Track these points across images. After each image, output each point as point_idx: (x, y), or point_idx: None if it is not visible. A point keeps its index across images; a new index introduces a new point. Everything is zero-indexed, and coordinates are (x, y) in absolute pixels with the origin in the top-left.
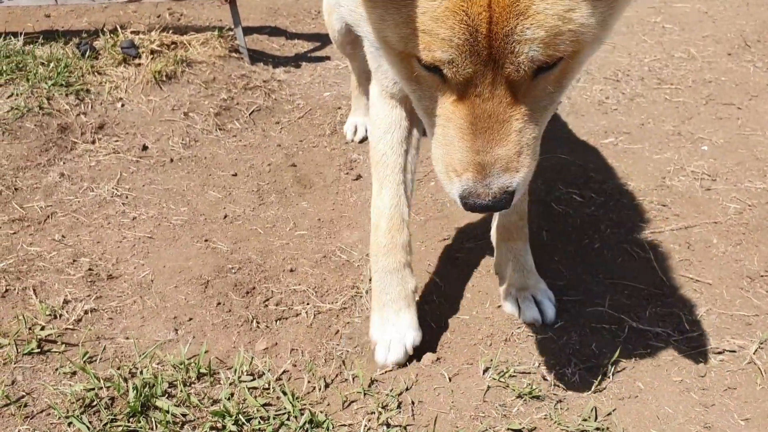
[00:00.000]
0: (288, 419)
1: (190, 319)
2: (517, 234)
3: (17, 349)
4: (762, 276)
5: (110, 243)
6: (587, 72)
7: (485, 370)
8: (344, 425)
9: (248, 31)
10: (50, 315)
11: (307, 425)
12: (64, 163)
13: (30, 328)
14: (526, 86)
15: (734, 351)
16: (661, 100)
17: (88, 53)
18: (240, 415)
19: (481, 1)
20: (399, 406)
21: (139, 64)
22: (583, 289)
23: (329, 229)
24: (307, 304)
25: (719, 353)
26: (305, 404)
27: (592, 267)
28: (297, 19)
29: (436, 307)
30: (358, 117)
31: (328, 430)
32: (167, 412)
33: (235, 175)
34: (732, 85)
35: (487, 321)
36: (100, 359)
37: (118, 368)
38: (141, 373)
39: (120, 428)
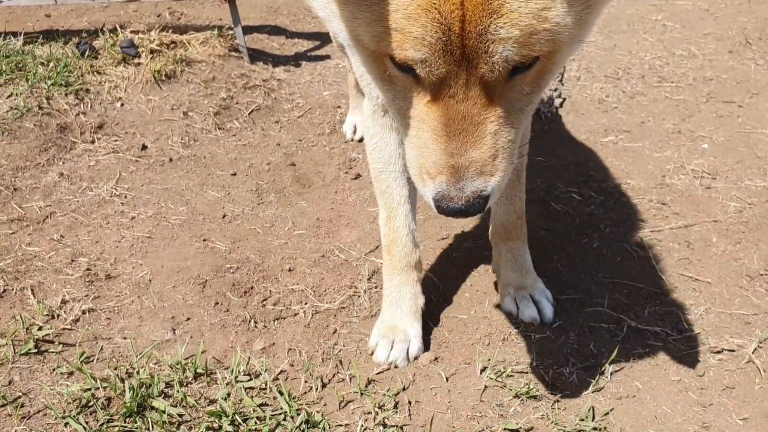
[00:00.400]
0: (284, 419)
1: (188, 318)
2: (515, 233)
3: (14, 350)
4: (761, 275)
5: (109, 243)
6: (587, 70)
7: (482, 370)
8: (341, 425)
9: (248, 30)
10: (48, 315)
11: (303, 425)
12: (63, 162)
13: (27, 328)
14: (502, 87)
15: (733, 350)
16: (662, 98)
17: (87, 53)
18: (236, 416)
19: (453, 0)
20: (396, 406)
21: (139, 64)
22: (582, 288)
23: (328, 229)
24: (305, 303)
25: (718, 352)
26: (302, 404)
27: (590, 266)
28: (297, 18)
29: (434, 307)
30: (357, 116)
31: (324, 430)
32: (163, 412)
33: (235, 174)
34: (733, 83)
35: (485, 320)
36: (97, 359)
37: (115, 368)
38: (138, 373)
39: (116, 428)
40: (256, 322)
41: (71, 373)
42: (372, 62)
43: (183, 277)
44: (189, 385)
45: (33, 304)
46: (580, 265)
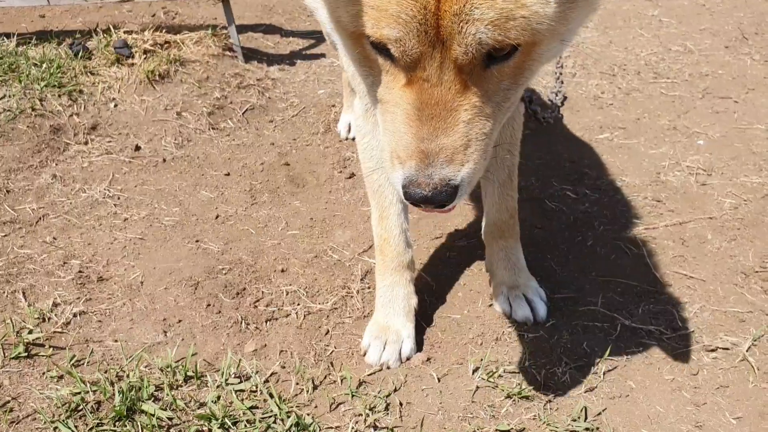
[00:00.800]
0: (274, 422)
1: (180, 321)
2: (508, 232)
3: (4, 353)
4: (757, 272)
5: (101, 245)
6: (583, 67)
7: (475, 370)
8: (331, 428)
9: (243, 29)
10: (39, 318)
11: (293, 428)
12: (56, 164)
13: (18, 332)
14: (478, 75)
15: (727, 348)
16: (657, 94)
17: (80, 53)
18: (226, 419)
19: None
20: (387, 408)
21: (132, 64)
22: (576, 286)
23: (321, 229)
24: (298, 304)
25: (712, 351)
26: (292, 407)
27: (584, 264)
28: (292, 16)
29: (427, 306)
30: (351, 114)
31: None
32: (153, 415)
33: (228, 174)
34: (729, 79)
35: (479, 320)
36: (88, 363)
37: (105, 372)
38: (128, 376)
39: None
40: (248, 324)
41: (61, 377)
42: (351, 45)
43: (175, 278)
44: (179, 388)
45: (24, 308)
46: (573, 263)
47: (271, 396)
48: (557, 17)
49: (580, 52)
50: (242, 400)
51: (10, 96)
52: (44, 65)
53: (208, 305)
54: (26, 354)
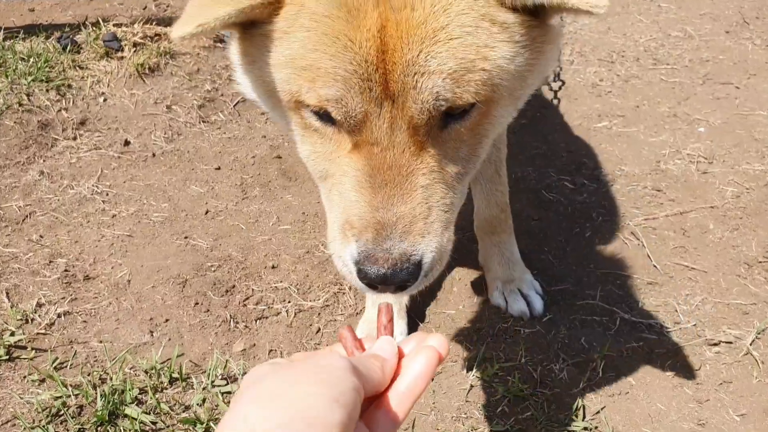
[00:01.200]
0: None
1: (167, 320)
2: (500, 227)
3: None
4: (760, 262)
5: (88, 242)
6: (580, 54)
7: (469, 369)
8: None
9: None
10: (21, 319)
11: None
12: (44, 160)
13: None
14: (435, 135)
15: (730, 342)
16: (657, 81)
17: (69, 47)
18: (211, 423)
19: (367, 24)
20: None
21: (122, 57)
22: (574, 279)
23: (313, 223)
24: (288, 302)
25: (714, 345)
26: None
27: (582, 256)
28: None
29: (420, 302)
30: None
31: None
32: (136, 420)
33: (219, 168)
34: (730, 64)
35: (474, 316)
36: (71, 365)
37: (88, 374)
38: (111, 379)
39: None
40: (237, 323)
41: (42, 381)
42: (292, 117)
43: (163, 276)
44: (164, 391)
45: (6, 309)
46: (571, 255)
47: None
48: (518, 75)
49: (578, 38)
50: (228, 402)
51: None
52: (32, 59)
53: (197, 304)
54: (7, 357)
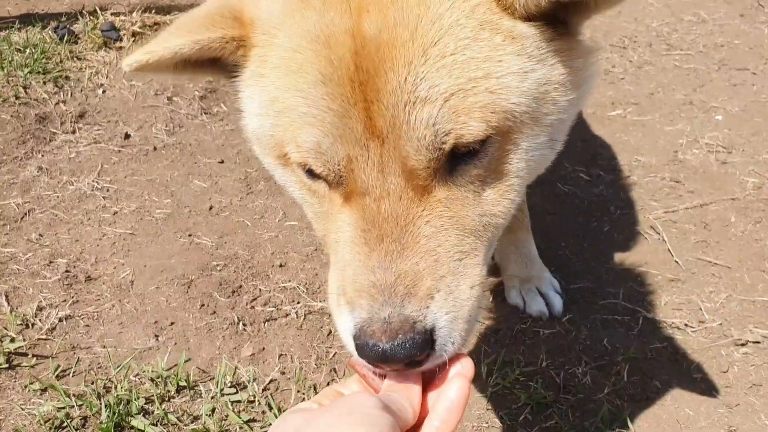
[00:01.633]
0: None
1: (172, 323)
2: (517, 225)
3: None
4: None
5: (89, 241)
6: (591, 39)
7: (489, 374)
8: None
9: None
10: (21, 324)
11: None
12: (42, 155)
13: None
14: (442, 178)
15: (758, 342)
16: (671, 67)
17: (66, 37)
18: None
19: (339, 51)
20: None
21: (121, 48)
22: (593, 276)
23: None
24: (297, 303)
25: (742, 345)
26: None
27: (601, 252)
28: None
29: None
30: None
31: None
32: (143, 431)
33: (222, 162)
34: (746, 49)
35: (491, 316)
36: (74, 372)
37: (92, 383)
38: (116, 388)
39: None
40: (244, 325)
41: (44, 390)
42: (288, 176)
43: (167, 276)
44: (171, 400)
45: (6, 313)
46: (589, 251)
47: (270, 408)
48: (540, 95)
49: (587, 24)
50: (239, 412)
51: None
52: (28, 51)
53: (202, 305)
54: (7, 365)
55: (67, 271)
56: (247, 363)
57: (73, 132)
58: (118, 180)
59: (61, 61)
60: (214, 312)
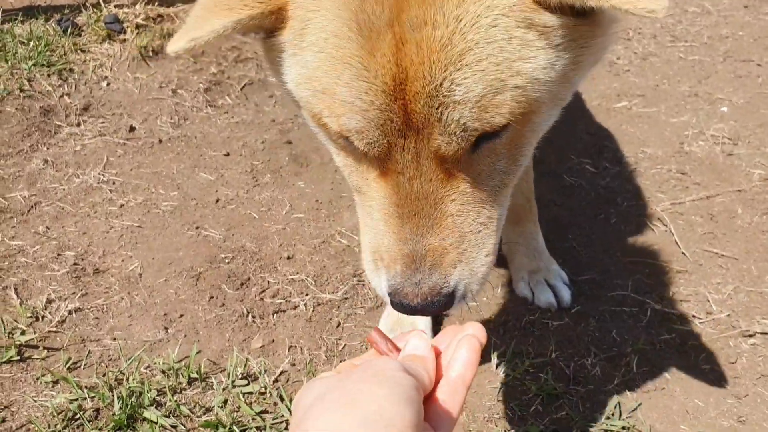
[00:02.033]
0: (286, 428)
1: (181, 315)
2: (525, 216)
3: None
4: None
5: (96, 234)
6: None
7: (498, 365)
8: None
9: None
10: (32, 317)
11: None
12: (47, 148)
13: (9, 333)
14: (465, 160)
15: (766, 333)
16: (676, 58)
17: (69, 30)
18: (234, 426)
19: (382, 47)
20: None
21: (124, 40)
22: (600, 268)
23: (328, 211)
24: (306, 294)
25: (750, 336)
26: None
27: (608, 244)
28: None
29: None
30: None
31: None
32: (156, 423)
33: (228, 154)
34: (750, 40)
35: (499, 308)
36: (85, 365)
37: (104, 375)
38: (127, 380)
39: None
40: (254, 317)
41: (56, 382)
42: (321, 130)
43: (175, 269)
44: (183, 392)
45: (16, 306)
46: (597, 243)
47: (282, 399)
48: (559, 80)
49: None
50: (250, 403)
51: None
52: (32, 43)
53: (211, 297)
54: (19, 357)
55: (75, 264)
56: (257, 355)
57: (78, 125)
58: (124, 173)
59: (65, 54)
60: (223, 304)
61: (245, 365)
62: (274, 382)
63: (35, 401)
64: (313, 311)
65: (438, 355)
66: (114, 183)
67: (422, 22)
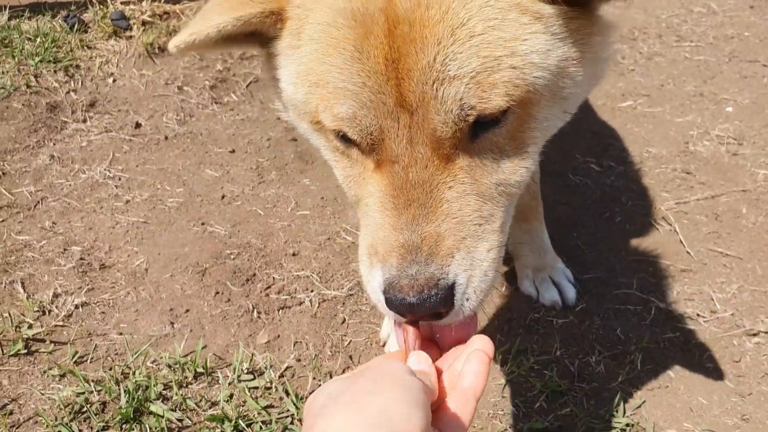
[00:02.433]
0: (291, 423)
1: (187, 311)
2: (531, 214)
3: (2, 351)
4: None
5: (102, 229)
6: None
7: (503, 362)
8: None
9: None
10: (38, 311)
11: None
12: (54, 144)
13: (17, 327)
14: (465, 147)
15: None
16: (681, 58)
17: (76, 26)
18: (240, 420)
19: (374, 30)
20: None
21: (131, 37)
22: (605, 267)
23: (333, 208)
24: (311, 291)
25: (754, 335)
26: None
27: (613, 243)
28: None
29: None
30: None
31: None
32: (162, 417)
33: (233, 151)
34: (756, 41)
35: (504, 305)
36: (91, 359)
37: (110, 369)
38: (134, 374)
39: None
40: (259, 313)
41: (63, 376)
42: (321, 141)
43: (181, 265)
44: (189, 386)
45: (23, 300)
46: (602, 241)
47: (287, 393)
48: (559, 71)
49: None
50: (256, 398)
51: (3, 73)
52: (38, 39)
53: (217, 293)
54: (26, 351)
55: (81, 259)
56: (263, 350)
57: (84, 121)
58: (130, 169)
59: (71, 50)
60: (229, 300)
61: (251, 360)
62: (279, 377)
63: (42, 394)
64: (318, 307)
65: (439, 374)
66: (120, 179)
67: (415, 5)
